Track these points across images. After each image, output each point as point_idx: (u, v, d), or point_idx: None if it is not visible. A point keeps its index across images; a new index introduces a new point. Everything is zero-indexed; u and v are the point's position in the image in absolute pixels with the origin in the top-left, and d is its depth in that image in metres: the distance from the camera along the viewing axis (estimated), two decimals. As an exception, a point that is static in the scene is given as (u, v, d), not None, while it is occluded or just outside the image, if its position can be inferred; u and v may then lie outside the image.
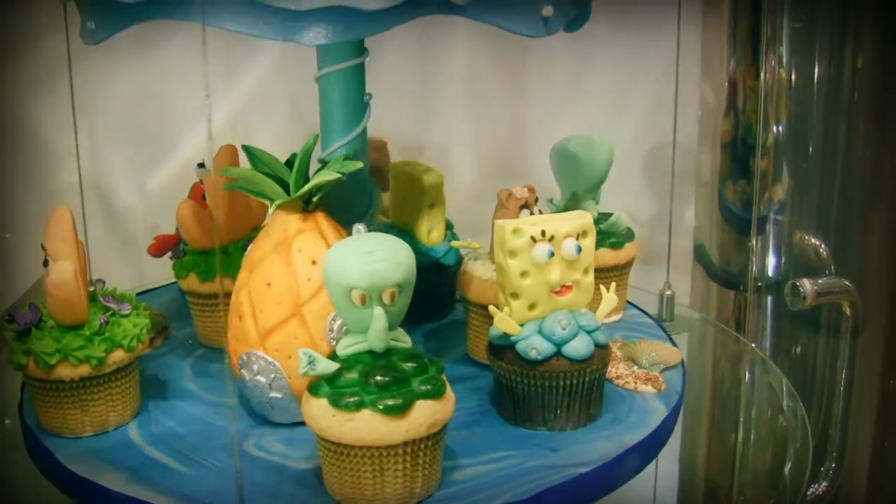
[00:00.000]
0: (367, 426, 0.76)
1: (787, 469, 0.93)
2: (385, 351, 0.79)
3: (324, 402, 0.77)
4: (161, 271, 1.23)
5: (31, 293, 1.10)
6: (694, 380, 1.03)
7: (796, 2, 0.93)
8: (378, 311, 0.77)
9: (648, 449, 0.90)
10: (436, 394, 0.78)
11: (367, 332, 0.78)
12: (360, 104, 0.99)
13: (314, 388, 0.79)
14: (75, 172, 1.10)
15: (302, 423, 0.90)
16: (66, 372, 0.87)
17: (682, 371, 1.02)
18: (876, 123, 0.95)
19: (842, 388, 1.06)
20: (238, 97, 1.30)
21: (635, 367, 1.01)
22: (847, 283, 1.01)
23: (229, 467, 0.86)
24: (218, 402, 0.97)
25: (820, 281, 1.02)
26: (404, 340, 0.81)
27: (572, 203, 1.10)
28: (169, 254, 1.15)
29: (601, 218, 1.12)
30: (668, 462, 0.96)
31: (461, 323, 1.09)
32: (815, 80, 0.95)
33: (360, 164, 0.91)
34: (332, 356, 0.80)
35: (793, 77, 0.96)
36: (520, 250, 0.87)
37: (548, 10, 0.83)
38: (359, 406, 0.76)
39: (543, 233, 0.87)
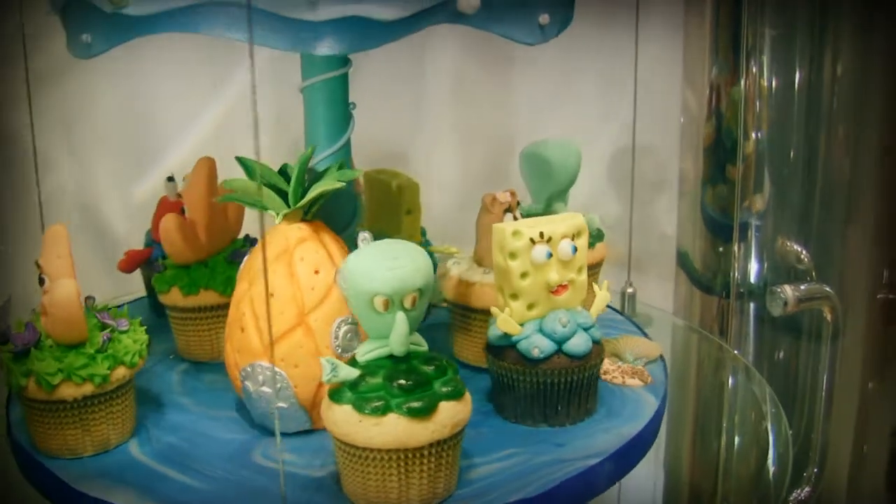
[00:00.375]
0: (395, 429, 0.77)
1: (769, 475, 0.96)
2: (405, 355, 0.80)
3: (348, 408, 0.78)
4: (126, 286, 1.22)
5: (8, 308, 1.07)
6: (678, 386, 1.06)
7: (776, 9, 0.97)
8: (400, 316, 0.78)
9: (647, 439, 0.94)
10: (457, 394, 0.80)
11: (388, 338, 0.79)
12: (344, 114, 1.00)
13: (336, 394, 0.79)
14: (55, 184, 1.08)
15: (306, 432, 0.91)
16: (68, 391, 0.85)
17: (664, 364, 1.06)
18: (855, 129, 0.99)
19: (823, 393, 1.10)
20: (223, 107, 1.29)
21: (620, 363, 1.04)
22: (828, 288, 1.04)
23: (240, 478, 0.86)
24: (215, 414, 0.96)
25: (801, 287, 1.04)
26: (421, 344, 0.82)
27: (547, 206, 1.12)
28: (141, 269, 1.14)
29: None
30: (653, 467, 0.99)
31: (439, 326, 1.10)
32: (796, 86, 0.99)
33: (358, 173, 0.92)
34: (352, 362, 0.81)
35: (773, 84, 0.99)
36: (520, 252, 0.89)
37: (544, 18, 0.86)
38: (385, 410, 0.77)
39: (542, 234, 0.90)
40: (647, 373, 1.02)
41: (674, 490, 1.03)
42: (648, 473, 0.97)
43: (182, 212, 1.06)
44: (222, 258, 1.05)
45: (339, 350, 0.89)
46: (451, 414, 0.79)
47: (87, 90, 1.21)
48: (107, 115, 1.29)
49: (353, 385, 0.79)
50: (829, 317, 1.05)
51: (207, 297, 1.04)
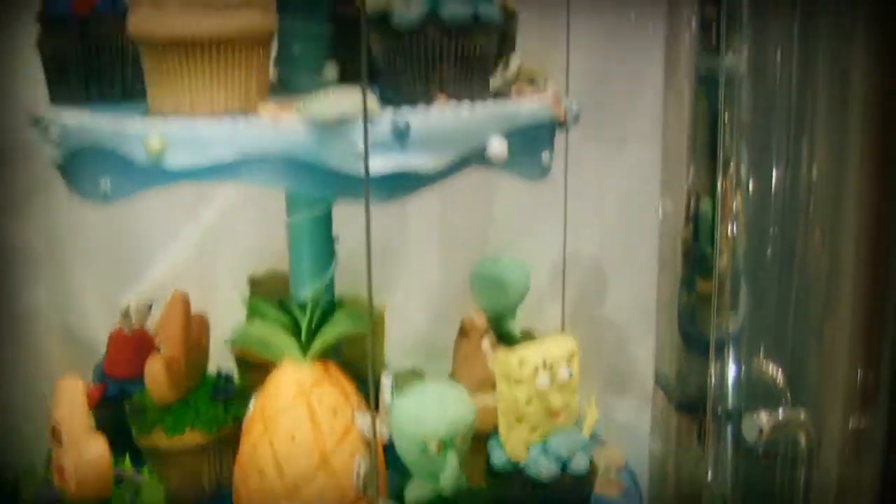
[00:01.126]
0: (454, 567, 0.79)
1: None
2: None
3: (404, 549, 0.80)
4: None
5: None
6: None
7: (752, 110, 1.01)
8: (452, 457, 0.81)
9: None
10: (500, 524, 0.83)
11: (436, 477, 0.82)
12: (329, 248, 1.01)
13: (389, 537, 0.81)
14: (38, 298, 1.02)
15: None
16: (97, 553, 0.82)
17: (630, 471, 1.12)
18: (831, 234, 1.02)
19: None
20: (202, 238, 1.27)
21: (592, 474, 1.10)
22: (803, 414, 1.05)
23: None
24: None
25: (776, 414, 1.04)
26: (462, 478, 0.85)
27: (502, 323, 1.17)
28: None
29: (524, 335, 1.19)
30: None
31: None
32: (773, 190, 1.02)
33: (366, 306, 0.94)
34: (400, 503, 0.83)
35: (750, 188, 1.02)
36: (525, 379, 0.94)
37: (546, 157, 0.93)
38: (442, 549, 0.79)
39: (545, 362, 0.95)
40: (619, 480, 1.08)
41: None
42: None
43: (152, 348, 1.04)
44: (204, 395, 1.03)
45: (361, 489, 0.90)
46: (496, 541, 0.82)
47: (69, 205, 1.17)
48: (90, 231, 1.24)
49: (406, 527, 0.81)
50: (803, 442, 1.06)
51: (193, 437, 1.01)
